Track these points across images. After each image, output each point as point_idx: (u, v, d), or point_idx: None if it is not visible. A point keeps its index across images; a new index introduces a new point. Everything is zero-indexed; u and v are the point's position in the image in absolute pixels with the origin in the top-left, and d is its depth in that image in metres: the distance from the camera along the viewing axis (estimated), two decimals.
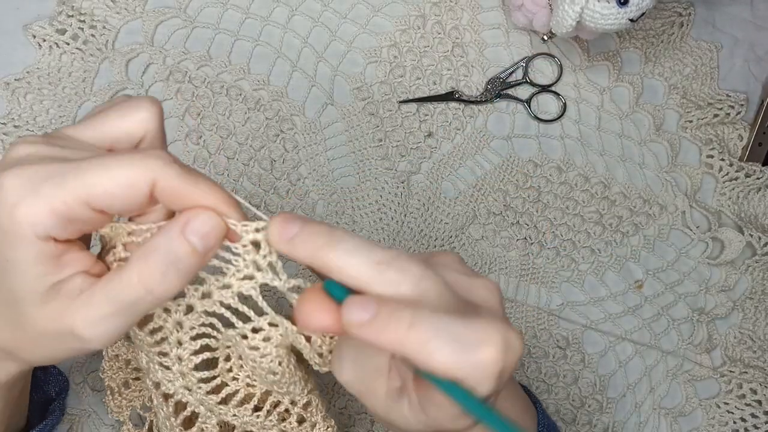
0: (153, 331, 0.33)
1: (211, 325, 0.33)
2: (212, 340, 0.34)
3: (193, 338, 0.34)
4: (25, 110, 0.55)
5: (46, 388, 0.46)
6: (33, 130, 0.54)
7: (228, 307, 0.32)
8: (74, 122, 0.55)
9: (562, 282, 0.57)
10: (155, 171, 0.27)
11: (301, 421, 0.38)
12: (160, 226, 0.29)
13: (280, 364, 0.34)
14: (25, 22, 0.56)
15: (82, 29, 0.56)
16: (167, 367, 0.34)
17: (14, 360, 0.32)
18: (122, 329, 0.29)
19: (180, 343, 0.33)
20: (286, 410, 0.38)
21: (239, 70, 0.57)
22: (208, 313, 0.33)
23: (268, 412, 0.37)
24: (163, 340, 0.33)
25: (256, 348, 0.33)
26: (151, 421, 0.47)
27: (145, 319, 0.33)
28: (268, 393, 0.37)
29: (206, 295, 0.32)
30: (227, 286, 0.31)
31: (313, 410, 0.39)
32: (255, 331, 0.33)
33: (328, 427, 0.40)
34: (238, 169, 0.56)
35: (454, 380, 0.26)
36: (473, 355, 0.26)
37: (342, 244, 0.28)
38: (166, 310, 0.33)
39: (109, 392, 0.47)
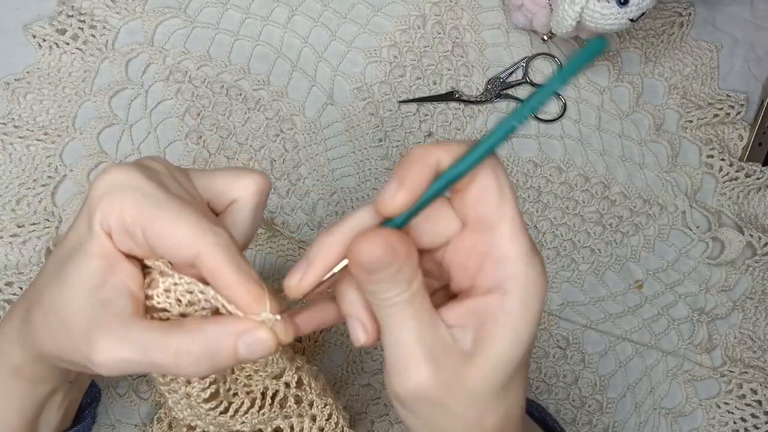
0: (165, 378, 0.35)
1: None
2: (216, 374, 0.35)
3: (202, 377, 0.35)
4: (25, 110, 0.55)
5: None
6: (33, 130, 0.54)
7: None
8: (74, 122, 0.55)
9: (562, 282, 0.57)
10: (201, 246, 0.29)
11: (298, 401, 0.39)
12: (213, 318, 0.30)
13: None
14: (25, 22, 0.56)
15: (82, 29, 0.56)
16: (177, 401, 0.35)
17: (27, 348, 0.33)
18: (132, 372, 0.30)
19: (189, 381, 0.35)
20: (284, 396, 0.39)
21: (239, 70, 0.57)
22: None
23: (270, 405, 0.38)
24: (171, 380, 0.34)
25: None
26: None
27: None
28: (266, 388, 0.38)
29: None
30: None
31: (306, 388, 0.39)
32: None
33: (325, 405, 0.40)
34: None
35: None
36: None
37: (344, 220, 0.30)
38: None
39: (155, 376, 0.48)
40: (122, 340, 0.29)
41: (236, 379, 0.37)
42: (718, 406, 0.57)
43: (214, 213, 0.33)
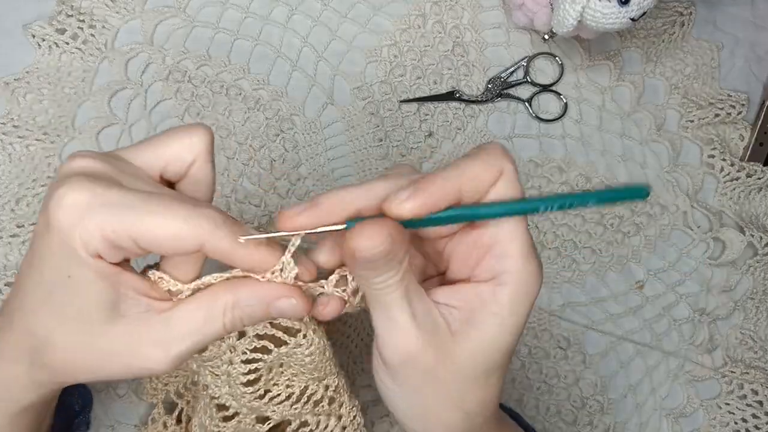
0: (208, 355, 0.35)
1: (263, 349, 0.35)
2: (261, 363, 0.36)
3: (244, 362, 0.35)
4: (25, 110, 0.55)
5: (71, 401, 0.46)
6: (32, 130, 0.54)
7: (278, 327, 0.34)
8: (73, 122, 0.55)
9: (563, 282, 0.57)
10: (204, 234, 0.28)
11: (331, 402, 0.40)
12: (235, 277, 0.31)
13: (324, 353, 0.36)
14: (24, 22, 0.56)
15: (82, 29, 0.56)
16: (217, 375, 0.36)
17: (48, 386, 0.33)
18: (191, 356, 0.31)
19: (231, 362, 0.35)
20: (320, 397, 0.39)
21: (239, 69, 0.57)
22: (259, 336, 0.35)
23: (305, 403, 0.39)
24: (215, 357, 0.35)
25: (298, 345, 0.35)
26: (182, 409, 0.48)
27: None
28: (306, 388, 0.39)
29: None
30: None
31: (341, 390, 0.40)
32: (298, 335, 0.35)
33: (353, 407, 0.41)
34: (238, 168, 0.56)
35: (495, 175, 0.30)
36: (488, 150, 0.30)
37: (363, 183, 0.30)
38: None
39: (147, 377, 0.48)
40: (172, 338, 0.30)
41: (281, 372, 0.38)
42: (719, 407, 0.56)
43: (169, 183, 0.32)
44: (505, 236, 0.30)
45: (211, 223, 0.28)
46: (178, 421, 0.48)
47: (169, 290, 0.31)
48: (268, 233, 0.30)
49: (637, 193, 0.29)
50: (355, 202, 0.29)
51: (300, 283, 0.31)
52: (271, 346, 0.35)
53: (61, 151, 0.55)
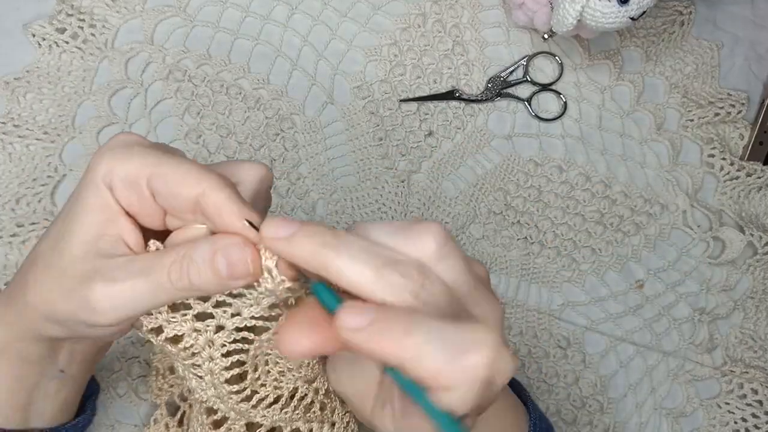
0: (185, 348, 0.34)
1: (243, 339, 0.34)
2: (243, 354, 0.35)
3: (225, 355, 0.35)
4: (25, 109, 0.55)
5: None
6: (32, 130, 0.54)
7: (261, 318, 0.33)
8: (73, 122, 0.55)
9: (562, 282, 0.57)
10: (204, 185, 0.29)
11: (323, 407, 0.40)
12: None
13: None
14: (24, 21, 0.56)
15: (82, 28, 0.56)
16: (200, 377, 0.35)
17: (15, 314, 0.34)
18: (130, 317, 0.31)
19: (212, 358, 0.35)
20: (311, 401, 0.39)
21: (239, 68, 0.57)
22: (239, 329, 0.34)
23: (295, 407, 0.38)
24: (194, 355, 0.34)
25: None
26: (184, 412, 0.47)
27: (176, 339, 0.34)
28: (295, 389, 0.38)
29: (236, 315, 0.33)
30: (257, 304, 0.32)
31: (332, 395, 0.40)
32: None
33: (346, 412, 0.41)
34: None
35: (443, 388, 0.25)
36: (462, 359, 0.25)
37: (345, 245, 0.27)
38: (197, 330, 0.34)
39: (154, 372, 0.48)
40: (119, 278, 0.30)
41: (268, 371, 0.37)
42: (719, 407, 0.56)
43: None
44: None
45: (217, 178, 0.30)
46: (180, 423, 0.48)
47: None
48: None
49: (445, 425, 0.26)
50: (323, 271, 0.27)
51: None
52: (251, 335, 0.34)
53: (62, 150, 0.55)
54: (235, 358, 0.35)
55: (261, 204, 0.35)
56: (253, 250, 0.29)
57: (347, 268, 0.27)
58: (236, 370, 0.35)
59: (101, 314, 0.30)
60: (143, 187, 0.30)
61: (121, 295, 0.30)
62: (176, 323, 0.33)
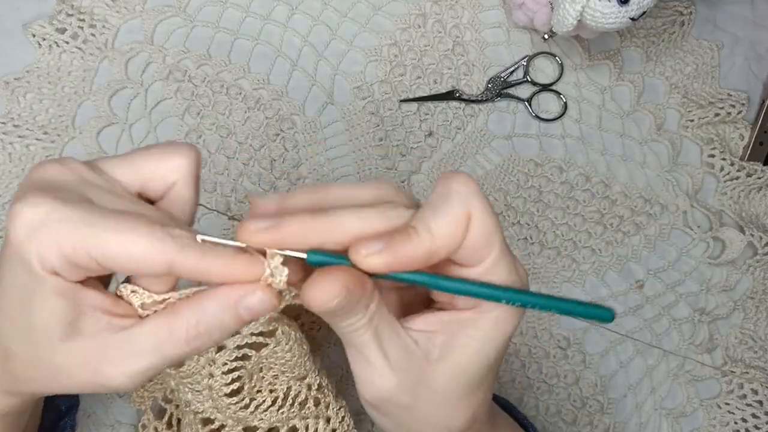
0: (186, 371, 0.34)
1: (243, 357, 0.34)
2: (243, 370, 0.35)
3: (225, 373, 0.35)
4: (25, 109, 0.55)
5: (56, 402, 0.46)
6: (32, 130, 0.54)
7: (258, 334, 0.33)
8: (73, 122, 0.55)
9: (562, 282, 0.57)
10: (171, 254, 0.27)
11: (317, 403, 0.40)
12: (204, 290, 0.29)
13: (302, 345, 0.35)
14: (24, 21, 0.56)
15: (82, 28, 0.56)
16: (198, 391, 0.35)
17: (15, 395, 0.32)
18: (152, 375, 0.29)
19: (212, 375, 0.34)
20: (305, 398, 0.39)
21: (239, 69, 0.57)
22: (239, 347, 0.34)
23: (291, 406, 0.39)
24: (194, 373, 0.34)
25: (278, 343, 0.34)
26: (171, 413, 0.47)
27: (179, 363, 0.34)
28: (289, 389, 0.39)
29: (235, 333, 0.33)
30: (255, 320, 0.32)
31: (325, 390, 0.40)
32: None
33: (340, 407, 0.41)
34: (238, 168, 0.56)
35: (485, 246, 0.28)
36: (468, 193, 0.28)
37: (329, 209, 0.28)
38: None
39: None
40: (129, 355, 0.28)
41: (263, 377, 0.37)
42: (719, 407, 0.56)
43: (148, 200, 0.31)
44: (489, 269, 0.29)
45: (177, 242, 0.27)
46: (169, 425, 0.47)
47: (143, 304, 0.29)
48: (231, 240, 0.28)
49: (602, 315, 0.29)
50: (320, 234, 0.27)
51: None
52: (251, 352, 0.34)
53: (62, 150, 0.55)
54: (236, 374, 0.35)
55: (198, 185, 0.32)
56: (267, 289, 0.28)
57: (346, 221, 0.27)
58: (235, 385, 0.36)
59: (121, 390, 0.29)
60: (89, 262, 0.27)
61: (136, 374, 0.28)
62: None
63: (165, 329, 0.28)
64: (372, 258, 0.27)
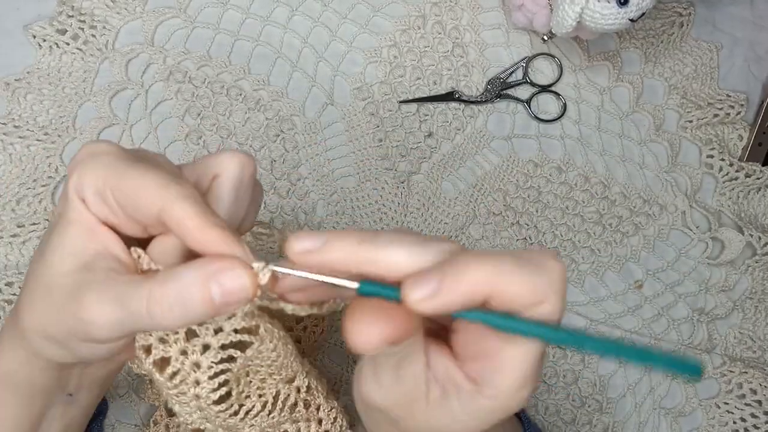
0: (172, 375, 0.34)
1: (229, 358, 0.34)
2: (229, 373, 0.35)
3: (211, 377, 0.34)
4: (26, 110, 0.55)
5: None
6: (33, 130, 0.54)
7: (242, 331, 0.33)
8: (74, 122, 0.55)
9: None
10: (165, 199, 0.28)
11: (307, 405, 0.39)
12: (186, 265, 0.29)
13: (286, 344, 0.35)
14: (25, 22, 0.56)
15: (83, 29, 0.56)
16: (185, 403, 0.35)
17: (18, 337, 0.33)
18: (125, 332, 0.29)
19: (198, 382, 0.34)
20: (294, 401, 0.39)
21: (239, 70, 0.57)
22: (224, 347, 0.33)
23: (281, 409, 0.38)
24: (181, 382, 0.34)
25: (262, 341, 0.34)
26: None
27: (163, 362, 0.34)
28: (277, 393, 0.38)
29: (218, 331, 0.33)
30: (233, 315, 0.32)
31: (314, 392, 0.40)
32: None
33: (331, 408, 0.41)
34: None
35: (537, 302, 0.26)
36: (544, 268, 0.26)
37: (378, 235, 0.27)
38: (183, 353, 0.33)
39: (149, 380, 0.48)
40: (108, 296, 0.29)
41: (250, 382, 0.37)
42: (718, 406, 0.57)
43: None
44: (510, 352, 0.27)
45: (177, 190, 0.28)
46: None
47: (142, 270, 0.30)
48: (277, 264, 0.28)
49: (690, 369, 0.26)
50: (368, 265, 0.27)
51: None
52: (236, 353, 0.34)
53: (62, 151, 0.55)
54: (222, 378, 0.34)
55: (247, 193, 0.33)
56: (248, 271, 0.28)
57: (393, 252, 0.27)
58: (222, 390, 0.35)
59: (95, 328, 0.29)
60: (110, 199, 0.30)
61: (107, 316, 0.29)
62: (167, 344, 0.33)
63: (137, 284, 0.29)
64: (425, 302, 0.25)
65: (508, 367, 0.27)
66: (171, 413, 0.49)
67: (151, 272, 0.30)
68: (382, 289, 0.27)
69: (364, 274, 0.27)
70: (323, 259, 0.27)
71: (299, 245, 0.27)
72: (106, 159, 0.30)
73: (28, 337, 0.32)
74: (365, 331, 0.26)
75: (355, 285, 0.27)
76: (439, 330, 0.31)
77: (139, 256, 0.31)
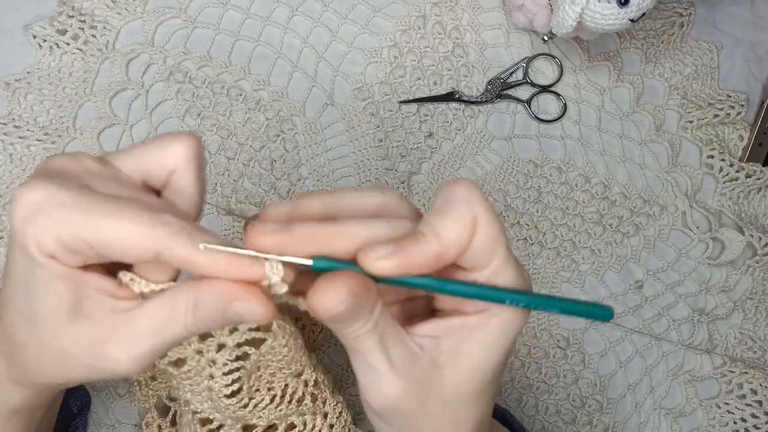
0: (187, 372, 0.34)
1: (244, 355, 0.34)
2: (243, 370, 0.35)
3: (226, 373, 0.35)
4: (26, 110, 0.55)
5: (69, 403, 0.46)
6: (33, 131, 0.55)
7: (255, 328, 0.33)
8: (74, 123, 0.55)
9: (562, 282, 0.57)
10: (159, 240, 0.27)
11: (314, 399, 0.40)
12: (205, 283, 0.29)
13: (297, 339, 0.36)
14: (25, 23, 0.56)
15: (83, 29, 0.56)
16: (197, 393, 0.35)
17: (26, 386, 0.32)
18: (154, 358, 0.29)
19: (212, 376, 0.34)
20: (302, 395, 0.39)
21: (240, 70, 0.57)
22: (239, 345, 0.34)
23: (289, 402, 0.39)
24: (195, 375, 0.34)
25: (275, 338, 0.34)
26: (176, 411, 0.48)
27: (179, 362, 0.34)
28: (286, 386, 0.39)
29: (233, 330, 0.33)
30: None
31: (321, 386, 0.40)
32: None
33: (337, 403, 0.41)
34: (239, 169, 0.56)
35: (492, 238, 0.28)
36: (465, 208, 0.28)
37: (338, 220, 0.28)
38: (199, 352, 0.34)
39: (137, 384, 0.48)
40: (133, 337, 0.28)
41: (260, 376, 0.38)
42: (719, 407, 0.57)
43: (155, 191, 0.31)
44: (498, 277, 0.29)
45: (166, 229, 0.27)
46: (173, 423, 0.48)
47: (141, 293, 0.29)
48: (234, 246, 0.28)
49: (602, 314, 0.30)
50: (327, 240, 0.28)
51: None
52: (251, 350, 0.34)
53: (63, 151, 0.55)
54: (236, 375, 0.35)
55: (202, 175, 0.32)
56: (262, 300, 0.28)
57: (352, 228, 0.28)
58: (235, 386, 0.36)
59: (126, 373, 0.28)
60: (85, 249, 0.27)
61: (140, 356, 0.28)
62: (181, 346, 0.33)
63: (167, 310, 0.28)
64: (382, 261, 0.27)
65: (496, 280, 0.29)
66: (163, 413, 0.49)
67: (153, 293, 0.29)
68: (337, 263, 0.28)
69: (326, 249, 0.28)
70: (286, 241, 0.27)
71: (262, 227, 0.27)
72: (61, 210, 0.27)
73: (20, 384, 0.32)
74: (330, 289, 0.27)
75: (309, 262, 0.27)
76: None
77: (131, 279, 0.29)
